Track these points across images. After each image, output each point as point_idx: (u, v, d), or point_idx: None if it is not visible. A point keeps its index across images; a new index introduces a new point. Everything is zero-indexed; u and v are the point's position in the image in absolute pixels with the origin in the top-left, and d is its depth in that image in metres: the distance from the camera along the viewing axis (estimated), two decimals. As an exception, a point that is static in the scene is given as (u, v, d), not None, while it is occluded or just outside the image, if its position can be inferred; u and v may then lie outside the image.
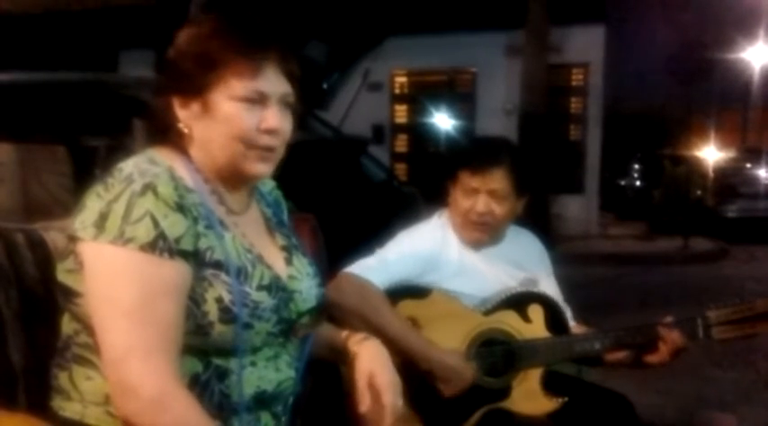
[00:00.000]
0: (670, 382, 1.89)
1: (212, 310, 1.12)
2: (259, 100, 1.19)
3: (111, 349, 1.07)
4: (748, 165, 12.36)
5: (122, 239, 1.07)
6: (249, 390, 1.18)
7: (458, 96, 11.41)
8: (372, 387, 1.28)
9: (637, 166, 16.21)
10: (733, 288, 6.81)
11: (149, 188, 1.10)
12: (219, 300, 1.12)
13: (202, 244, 1.13)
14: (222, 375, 1.16)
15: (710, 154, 12.67)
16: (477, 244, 1.98)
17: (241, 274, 1.16)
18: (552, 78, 9.73)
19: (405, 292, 1.88)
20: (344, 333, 1.41)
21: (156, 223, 1.08)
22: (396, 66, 10.65)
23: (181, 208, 1.11)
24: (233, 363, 1.16)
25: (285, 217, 1.40)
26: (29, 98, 3.32)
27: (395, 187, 3.75)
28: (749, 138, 21.13)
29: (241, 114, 1.18)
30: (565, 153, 10.77)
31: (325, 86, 3.49)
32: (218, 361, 1.16)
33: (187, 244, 1.10)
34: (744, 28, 18.18)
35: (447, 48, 10.18)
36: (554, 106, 10.18)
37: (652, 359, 1.86)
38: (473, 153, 2.01)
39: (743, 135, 21.59)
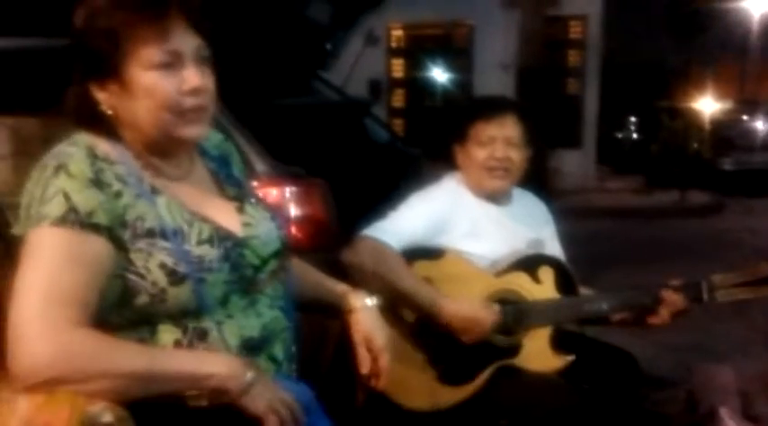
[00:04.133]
0: (667, 334, 1.97)
1: (159, 277, 1.16)
2: (174, 61, 1.18)
3: (14, 318, 1.07)
4: (745, 117, 12.34)
5: (38, 220, 1.12)
6: (234, 341, 1.22)
7: (455, 50, 11.32)
8: (371, 351, 1.42)
9: (633, 119, 16.17)
10: (730, 241, 6.87)
11: (61, 168, 1.14)
12: (163, 266, 1.16)
13: (131, 215, 1.16)
14: (202, 334, 1.20)
15: (708, 105, 12.63)
16: (495, 196, 2.03)
17: (178, 235, 1.19)
18: (550, 31, 9.62)
19: (419, 253, 1.93)
20: (339, 286, 1.50)
21: (67, 198, 1.11)
22: (392, 20, 10.52)
23: (97, 182, 1.15)
24: (207, 322, 1.21)
25: (235, 169, 1.42)
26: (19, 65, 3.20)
27: (399, 148, 3.76)
28: (747, 89, 21.01)
29: (159, 82, 1.17)
30: (562, 107, 10.72)
31: (328, 47, 3.48)
32: (193, 324, 1.20)
33: (100, 218, 1.13)
34: (743, -24, 17.94)
35: (444, 0, 10.05)
36: (552, 60, 10.09)
37: (654, 320, 1.93)
38: (484, 104, 2.09)
39: (741, 85, 21.47)
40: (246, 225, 1.30)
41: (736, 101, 14.46)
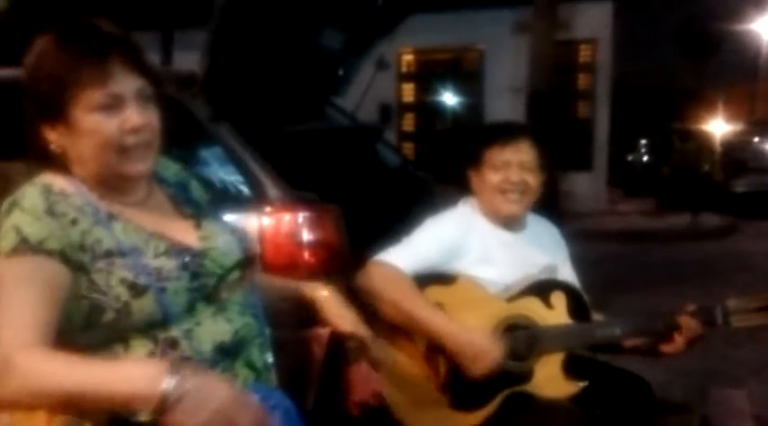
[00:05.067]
0: (680, 359, 1.95)
1: (121, 291, 1.21)
2: (115, 103, 1.24)
3: None
4: (757, 139, 12.30)
5: None
6: (206, 346, 1.26)
7: (465, 74, 11.41)
8: (348, 325, 1.48)
9: (645, 141, 16.16)
10: (742, 264, 6.82)
11: (15, 205, 1.22)
12: (124, 280, 1.22)
13: (88, 239, 1.22)
14: (173, 343, 1.24)
15: (719, 127, 12.60)
16: (510, 221, 2.04)
17: (135, 252, 1.25)
18: (560, 55, 9.67)
19: (431, 278, 1.94)
20: (302, 283, 1.56)
21: (18, 231, 1.18)
22: (402, 44, 10.61)
23: (51, 213, 1.21)
24: (176, 331, 1.25)
25: (194, 193, 1.49)
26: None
27: (410, 172, 3.79)
28: (758, 111, 20.97)
29: (101, 123, 1.23)
30: (573, 130, 10.76)
31: (340, 73, 3.52)
32: (162, 334, 1.24)
33: (52, 244, 1.18)
34: (752, -1, 18.00)
35: (454, 25, 10.15)
36: (562, 83, 10.13)
37: (668, 347, 1.92)
38: (499, 129, 2.08)
39: (752, 107, 21.43)
40: (204, 238, 1.36)
41: (747, 123, 14.42)
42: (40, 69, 1.24)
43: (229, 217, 2.37)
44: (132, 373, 1.07)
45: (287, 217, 2.40)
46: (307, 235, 2.39)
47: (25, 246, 1.17)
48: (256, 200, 2.43)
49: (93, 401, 1.08)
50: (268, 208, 2.41)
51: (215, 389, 1.07)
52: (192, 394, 1.04)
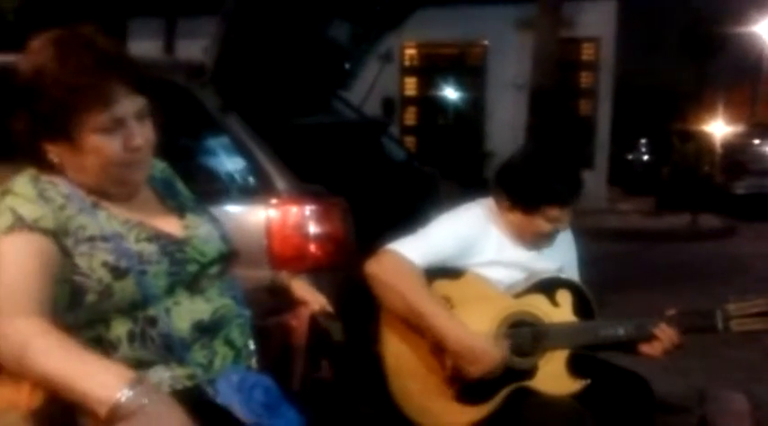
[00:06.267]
0: (680, 360, 1.96)
1: (103, 274, 1.26)
2: (117, 125, 1.28)
3: None
4: (757, 142, 12.30)
5: None
6: (183, 324, 1.31)
7: (468, 69, 11.43)
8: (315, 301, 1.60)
9: (645, 141, 16.17)
10: (741, 266, 6.85)
11: (7, 192, 1.28)
12: (105, 263, 1.27)
13: (73, 224, 1.27)
14: (152, 321, 1.29)
15: (719, 129, 12.62)
16: (537, 247, 2.05)
17: (117, 237, 1.29)
18: (563, 52, 9.66)
19: (440, 272, 1.95)
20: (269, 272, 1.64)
21: (13, 211, 1.24)
22: (406, 38, 10.60)
23: (42, 197, 1.27)
24: (155, 310, 1.29)
25: (178, 187, 1.54)
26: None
27: (416, 167, 3.79)
28: (759, 113, 20.99)
29: (106, 144, 1.28)
30: (575, 128, 10.77)
31: (347, 67, 3.52)
32: (142, 314, 1.29)
33: (47, 223, 1.24)
34: (755, 1, 18.01)
35: (458, 20, 10.16)
36: (564, 80, 10.15)
37: (648, 349, 1.93)
38: (564, 190, 1.99)
39: (752, 109, 21.45)
40: (186, 227, 1.42)
41: (747, 125, 14.41)
42: (39, 88, 1.25)
43: (236, 209, 2.43)
44: (96, 373, 1.10)
45: (294, 210, 2.40)
46: (313, 228, 2.40)
47: (22, 224, 1.22)
48: (264, 192, 2.44)
49: (59, 388, 1.12)
50: (275, 200, 2.42)
51: (168, 414, 1.09)
52: (145, 411, 1.07)
